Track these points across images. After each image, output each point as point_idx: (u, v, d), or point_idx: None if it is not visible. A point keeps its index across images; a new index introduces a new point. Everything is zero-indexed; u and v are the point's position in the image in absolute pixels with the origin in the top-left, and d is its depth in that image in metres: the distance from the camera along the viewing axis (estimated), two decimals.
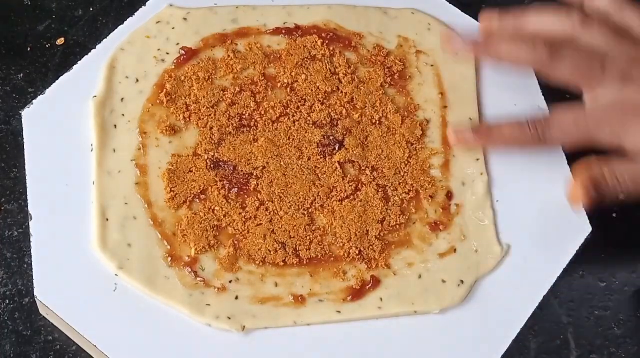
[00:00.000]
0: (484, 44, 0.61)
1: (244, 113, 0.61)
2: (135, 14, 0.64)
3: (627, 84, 0.56)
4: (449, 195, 0.60)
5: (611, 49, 0.57)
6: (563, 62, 0.57)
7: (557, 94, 0.63)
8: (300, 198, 0.58)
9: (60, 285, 0.54)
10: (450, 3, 0.67)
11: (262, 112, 0.61)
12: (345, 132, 0.61)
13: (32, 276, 0.54)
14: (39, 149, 0.58)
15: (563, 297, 0.62)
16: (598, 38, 0.58)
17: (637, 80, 0.56)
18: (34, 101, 0.60)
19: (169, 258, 0.56)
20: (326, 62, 0.63)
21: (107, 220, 0.56)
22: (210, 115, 0.60)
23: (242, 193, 0.58)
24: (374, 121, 0.62)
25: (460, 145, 0.61)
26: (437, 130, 0.62)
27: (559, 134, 0.57)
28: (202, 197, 0.58)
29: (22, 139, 0.58)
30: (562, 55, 0.57)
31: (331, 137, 0.61)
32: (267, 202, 0.58)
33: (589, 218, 0.60)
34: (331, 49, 0.64)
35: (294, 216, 0.58)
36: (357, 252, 0.57)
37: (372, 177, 0.60)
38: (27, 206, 0.56)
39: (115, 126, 0.59)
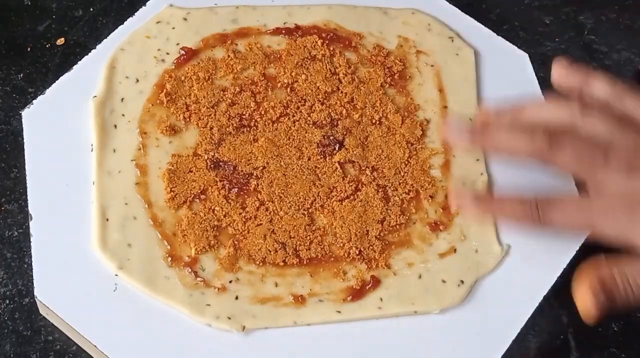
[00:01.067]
0: (481, 134, 0.58)
1: (244, 113, 0.61)
2: (135, 14, 0.64)
3: (633, 174, 0.52)
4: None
5: (614, 137, 0.53)
6: (564, 152, 0.53)
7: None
8: (300, 198, 0.58)
9: (60, 285, 0.54)
10: (450, 3, 0.67)
11: (262, 112, 0.61)
12: (345, 132, 0.61)
13: (32, 276, 0.54)
14: (39, 149, 0.58)
15: (563, 297, 0.62)
16: (599, 127, 0.54)
17: None
18: (34, 101, 0.60)
19: (169, 258, 0.56)
20: (326, 62, 0.63)
21: (107, 220, 0.56)
22: (210, 115, 0.60)
23: (242, 193, 0.58)
24: (374, 121, 0.62)
25: (460, 209, 0.59)
26: (437, 130, 0.62)
27: (559, 217, 0.53)
28: (202, 197, 0.58)
29: (22, 139, 0.58)
30: (562, 145, 0.53)
31: (331, 137, 0.61)
32: (267, 202, 0.58)
33: None
34: (331, 49, 0.64)
35: (294, 216, 0.58)
36: (357, 252, 0.57)
37: (372, 177, 0.60)
38: (27, 206, 0.56)
39: (115, 126, 0.59)
